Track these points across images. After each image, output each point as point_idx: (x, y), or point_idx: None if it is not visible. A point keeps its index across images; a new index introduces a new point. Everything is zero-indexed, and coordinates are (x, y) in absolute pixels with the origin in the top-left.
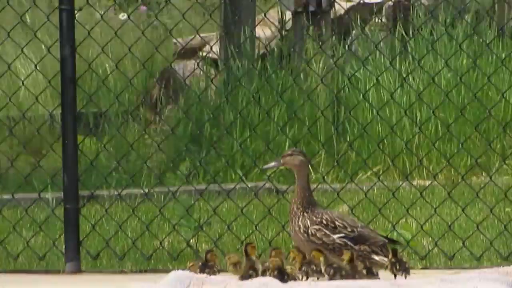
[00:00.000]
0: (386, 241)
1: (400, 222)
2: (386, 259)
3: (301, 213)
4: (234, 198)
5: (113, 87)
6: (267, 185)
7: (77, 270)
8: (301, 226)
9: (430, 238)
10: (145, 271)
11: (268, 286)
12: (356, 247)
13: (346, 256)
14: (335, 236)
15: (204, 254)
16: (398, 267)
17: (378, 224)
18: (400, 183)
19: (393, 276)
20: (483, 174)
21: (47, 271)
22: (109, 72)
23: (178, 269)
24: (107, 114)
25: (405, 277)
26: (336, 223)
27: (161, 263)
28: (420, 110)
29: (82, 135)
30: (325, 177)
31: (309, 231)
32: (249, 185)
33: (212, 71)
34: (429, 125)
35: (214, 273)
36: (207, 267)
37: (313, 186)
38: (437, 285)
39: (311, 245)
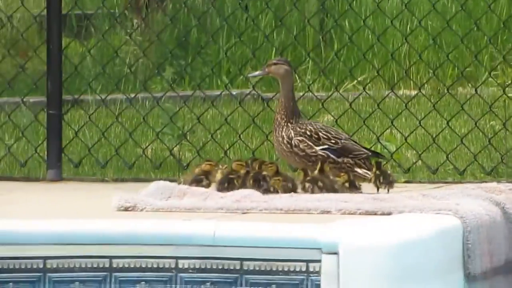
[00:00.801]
0: (370, 154)
1: (384, 133)
2: (369, 172)
3: (285, 123)
4: (219, 105)
5: None
6: (253, 92)
7: (59, 178)
8: (285, 136)
9: (414, 151)
10: (127, 180)
11: (250, 197)
12: (339, 160)
13: (317, 166)
14: (318, 148)
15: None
16: (381, 180)
17: (363, 135)
18: (386, 92)
19: (376, 189)
20: (470, 85)
21: (27, 178)
22: None
23: (160, 178)
24: (94, 17)
25: (388, 191)
26: (320, 134)
27: (143, 172)
28: (411, 20)
29: (67, 38)
30: (311, 85)
31: (293, 142)
32: (234, 93)
33: None
34: (419, 35)
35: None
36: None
37: (298, 94)
38: (419, 199)
39: (293, 156)
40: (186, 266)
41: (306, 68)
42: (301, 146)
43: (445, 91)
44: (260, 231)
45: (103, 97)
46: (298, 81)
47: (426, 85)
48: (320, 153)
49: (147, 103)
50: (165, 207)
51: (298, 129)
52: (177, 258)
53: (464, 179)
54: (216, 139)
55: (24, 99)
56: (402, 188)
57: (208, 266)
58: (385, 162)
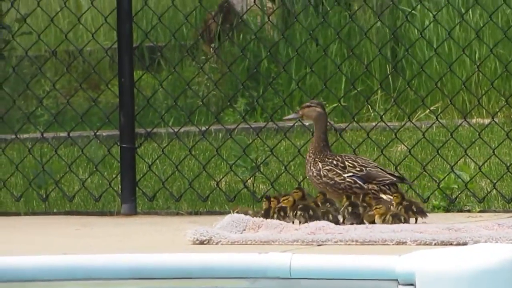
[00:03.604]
0: (394, 179)
1: (458, 162)
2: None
3: (313, 160)
4: (291, 136)
5: (171, 22)
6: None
7: (133, 212)
8: (314, 170)
9: (488, 180)
10: (201, 213)
11: (324, 229)
12: (365, 186)
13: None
14: (345, 175)
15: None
16: (415, 210)
17: (437, 164)
18: (459, 122)
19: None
20: None
21: (102, 213)
22: (166, 8)
23: (234, 211)
24: (165, 49)
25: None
26: (346, 163)
27: (217, 204)
28: (479, 47)
29: (139, 70)
30: (383, 115)
31: (321, 172)
32: (307, 123)
33: (270, 5)
34: (488, 62)
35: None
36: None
37: (371, 124)
38: (494, 229)
39: (325, 186)
40: None
41: (376, 98)
42: (329, 175)
43: None
44: (336, 263)
45: (175, 129)
46: (371, 110)
47: (498, 114)
48: (348, 179)
49: (220, 135)
50: (240, 239)
51: (326, 159)
52: None
53: None
54: (289, 170)
55: (97, 133)
56: (476, 218)
57: None
58: (459, 191)
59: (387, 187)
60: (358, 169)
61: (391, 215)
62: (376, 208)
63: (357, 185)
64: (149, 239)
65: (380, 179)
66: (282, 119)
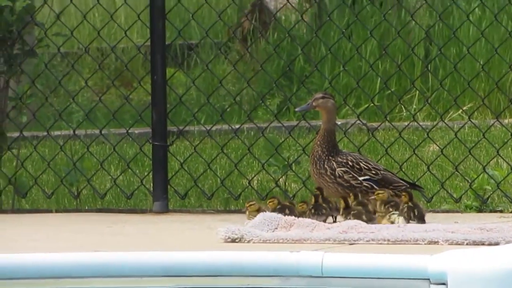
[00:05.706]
0: (408, 186)
1: (490, 162)
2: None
3: (326, 156)
4: None
5: (204, 20)
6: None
7: (165, 210)
8: (328, 168)
9: None
10: (233, 211)
11: (356, 228)
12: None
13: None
14: (361, 179)
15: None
16: (416, 214)
17: (469, 164)
18: (492, 121)
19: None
20: None
21: (134, 210)
22: (199, 5)
23: (265, 210)
24: (198, 47)
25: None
26: (361, 164)
27: None
28: None
29: (172, 68)
30: (417, 115)
31: (336, 173)
32: (339, 123)
33: (304, 4)
34: None
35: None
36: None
37: (403, 124)
38: None
39: (336, 187)
40: None
41: (411, 98)
42: (345, 177)
43: None
44: (368, 261)
45: (208, 127)
46: (404, 110)
47: None
48: (365, 184)
49: (252, 133)
50: (272, 238)
51: (340, 159)
52: None
53: None
54: None
55: (129, 131)
56: (509, 218)
57: None
58: (491, 192)
59: (401, 192)
60: (373, 172)
61: (389, 204)
62: (379, 193)
63: (373, 189)
64: (181, 237)
65: (396, 184)
66: (294, 110)
